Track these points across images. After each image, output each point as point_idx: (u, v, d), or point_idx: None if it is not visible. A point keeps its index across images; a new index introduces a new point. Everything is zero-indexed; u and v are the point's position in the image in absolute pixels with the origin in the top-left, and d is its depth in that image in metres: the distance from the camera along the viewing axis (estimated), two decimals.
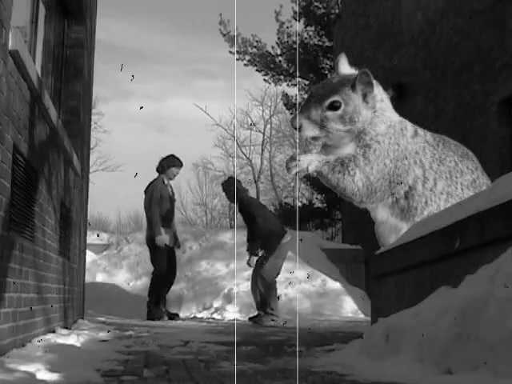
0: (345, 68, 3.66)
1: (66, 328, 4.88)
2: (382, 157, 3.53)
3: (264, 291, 7.00)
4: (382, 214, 3.67)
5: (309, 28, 17.98)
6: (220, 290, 8.74)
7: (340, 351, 3.40)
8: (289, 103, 18.25)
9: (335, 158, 3.57)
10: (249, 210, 7.12)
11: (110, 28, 43.00)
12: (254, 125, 29.92)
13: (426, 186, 3.63)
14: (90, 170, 10.22)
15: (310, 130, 3.50)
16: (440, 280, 2.75)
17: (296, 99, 18.11)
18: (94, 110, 9.58)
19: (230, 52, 18.47)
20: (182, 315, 8.20)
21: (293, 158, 3.59)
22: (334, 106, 3.46)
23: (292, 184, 28.65)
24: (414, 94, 9.94)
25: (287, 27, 18.19)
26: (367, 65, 13.19)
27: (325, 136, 3.52)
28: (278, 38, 18.23)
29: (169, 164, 7.61)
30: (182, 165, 7.73)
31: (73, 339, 3.88)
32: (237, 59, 18.40)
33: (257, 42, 18.37)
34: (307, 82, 18.23)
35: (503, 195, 2.42)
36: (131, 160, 40.50)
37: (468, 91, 8.29)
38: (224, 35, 18.41)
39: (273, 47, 18.36)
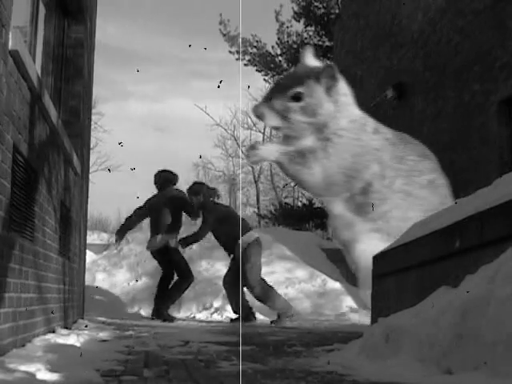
0: (310, 60, 3.64)
1: (66, 328, 4.88)
2: (342, 151, 3.50)
3: (263, 298, 7.01)
4: (337, 207, 3.65)
5: (309, 28, 17.99)
6: (220, 290, 8.72)
7: (340, 351, 3.40)
8: None
9: (296, 149, 3.53)
10: (207, 216, 7.23)
11: (108, 28, 42.99)
12: (255, 125, 29.91)
13: (383, 183, 3.60)
14: (90, 170, 10.22)
15: (272, 120, 3.48)
16: (440, 280, 2.75)
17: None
18: (93, 110, 9.58)
19: (230, 52, 18.48)
20: (182, 315, 8.20)
21: (253, 147, 3.56)
22: (297, 97, 3.44)
23: (292, 184, 28.64)
24: (413, 94, 9.94)
25: (287, 27, 18.20)
26: (367, 65, 13.18)
27: (286, 127, 3.50)
28: (278, 38, 18.24)
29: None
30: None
31: (73, 339, 3.88)
32: (236, 59, 18.41)
33: (257, 42, 18.38)
34: None
35: (503, 195, 2.42)
36: (131, 160, 40.52)
37: (468, 91, 8.28)
38: (224, 35, 18.42)
39: (273, 47, 18.37)
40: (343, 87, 3.55)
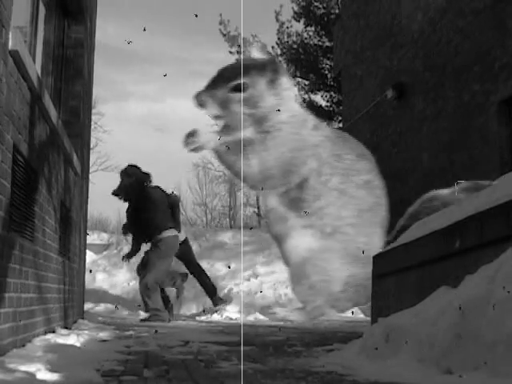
0: (256, 53, 3.64)
1: (66, 328, 4.88)
2: (280, 145, 3.50)
3: (143, 291, 7.08)
4: (272, 201, 3.63)
5: (309, 28, 17.99)
6: (220, 290, 8.74)
7: (340, 351, 3.41)
8: None
9: (234, 139, 3.52)
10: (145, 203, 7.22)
11: (108, 29, 42.99)
12: None
13: (319, 180, 3.60)
14: (90, 170, 10.22)
15: (213, 109, 3.46)
16: (440, 280, 2.75)
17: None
18: (93, 110, 9.59)
19: (230, 52, 18.47)
20: (181, 315, 8.21)
21: (191, 134, 3.54)
22: (239, 88, 3.43)
23: None
24: (413, 94, 9.94)
25: (287, 27, 18.20)
26: (367, 65, 13.18)
27: (227, 116, 3.48)
28: (278, 38, 18.24)
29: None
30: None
31: (73, 339, 3.88)
32: (236, 59, 18.40)
33: (257, 42, 18.38)
34: (307, 82, 18.23)
35: (503, 195, 2.42)
36: (131, 160, 40.47)
37: (468, 91, 8.28)
38: (224, 35, 18.42)
39: (273, 47, 18.37)
40: (286, 82, 3.55)
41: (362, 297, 3.71)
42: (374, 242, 3.66)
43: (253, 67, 3.44)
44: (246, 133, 3.49)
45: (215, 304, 7.83)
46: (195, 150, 3.51)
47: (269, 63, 3.42)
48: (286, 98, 3.50)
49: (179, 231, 7.40)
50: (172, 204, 7.41)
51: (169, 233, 7.15)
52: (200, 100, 3.40)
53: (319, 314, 3.78)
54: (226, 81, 3.42)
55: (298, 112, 3.60)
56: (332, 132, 3.79)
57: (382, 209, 3.69)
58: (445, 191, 3.81)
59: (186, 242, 8.04)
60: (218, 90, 3.41)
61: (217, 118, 3.49)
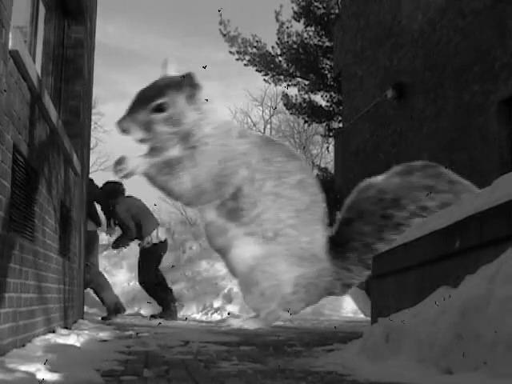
0: (171, 70, 3.65)
1: (66, 328, 4.88)
2: (208, 158, 3.51)
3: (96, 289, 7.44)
4: (209, 215, 3.64)
5: (309, 28, 17.97)
6: (220, 290, 8.73)
7: (340, 351, 3.41)
8: (289, 103, 18.23)
9: (163, 160, 3.53)
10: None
11: (108, 29, 42.99)
12: (255, 125, 29.90)
13: (253, 187, 3.61)
14: (90, 170, 10.22)
15: (137, 133, 3.47)
16: (440, 280, 2.75)
17: (296, 99, 18.11)
18: (93, 110, 9.58)
19: (230, 52, 18.46)
20: (182, 315, 8.21)
21: (119, 162, 3.55)
22: (159, 109, 3.44)
23: None
24: (413, 94, 9.94)
25: (287, 27, 18.18)
26: (367, 65, 13.16)
27: (152, 138, 3.49)
28: (278, 38, 18.22)
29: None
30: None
31: (73, 339, 3.88)
32: (236, 59, 18.40)
33: (257, 42, 18.36)
34: (307, 82, 18.22)
35: (503, 195, 2.42)
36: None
37: (468, 91, 8.28)
38: (224, 35, 18.40)
39: (273, 47, 18.35)
40: (205, 94, 3.56)
41: (314, 295, 3.74)
42: (317, 238, 3.70)
43: (170, 85, 3.46)
44: (174, 151, 3.50)
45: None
46: (125, 176, 3.53)
47: (185, 79, 3.43)
48: (207, 111, 3.52)
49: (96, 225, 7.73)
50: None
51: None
52: (123, 126, 3.42)
53: (274, 319, 3.81)
54: (146, 103, 3.43)
55: (221, 122, 3.62)
56: (258, 137, 3.81)
57: (320, 205, 3.73)
58: (379, 178, 3.84)
59: (165, 242, 8.07)
60: (139, 114, 3.42)
61: (142, 141, 3.50)
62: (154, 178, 3.52)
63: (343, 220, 3.80)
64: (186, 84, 3.44)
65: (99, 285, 7.43)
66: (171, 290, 7.81)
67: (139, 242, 7.90)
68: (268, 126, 30.67)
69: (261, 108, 32.02)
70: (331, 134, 17.97)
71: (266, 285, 3.58)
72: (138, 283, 8.14)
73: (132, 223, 7.73)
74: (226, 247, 3.65)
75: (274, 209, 3.60)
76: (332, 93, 17.68)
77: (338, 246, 3.71)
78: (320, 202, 3.68)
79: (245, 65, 18.51)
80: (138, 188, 7.58)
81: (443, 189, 3.77)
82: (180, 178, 3.48)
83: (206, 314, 8.40)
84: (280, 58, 18.33)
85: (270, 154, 3.67)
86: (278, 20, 18.24)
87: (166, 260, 8.54)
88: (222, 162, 3.53)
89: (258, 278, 3.58)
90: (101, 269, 8.80)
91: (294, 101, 18.12)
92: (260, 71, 18.52)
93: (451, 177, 3.91)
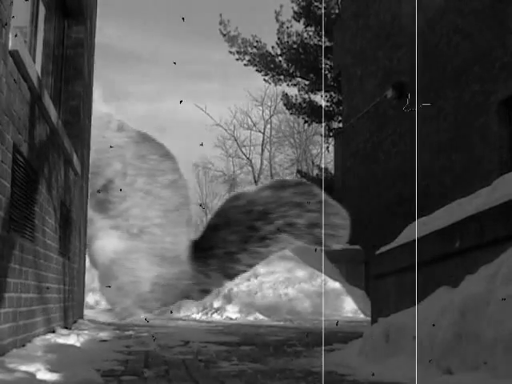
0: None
1: (66, 328, 4.88)
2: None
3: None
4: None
5: (309, 28, 17.97)
6: (220, 290, 8.73)
7: (340, 351, 3.41)
8: (289, 103, 18.24)
9: None
10: None
11: (108, 29, 42.98)
12: (255, 125, 29.90)
13: (124, 181, 3.65)
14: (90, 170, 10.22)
15: None
16: (440, 280, 2.75)
17: (296, 99, 18.11)
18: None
19: (230, 52, 18.46)
20: (182, 315, 8.21)
21: None
22: None
23: None
24: (413, 94, 9.94)
25: (287, 27, 18.18)
26: (367, 65, 13.13)
27: None
28: (278, 38, 18.22)
29: None
30: None
31: (73, 339, 3.88)
32: (236, 59, 18.40)
33: (257, 42, 18.37)
34: (307, 82, 18.22)
35: (503, 195, 2.42)
36: None
37: (468, 91, 8.28)
38: (224, 35, 18.40)
39: (273, 47, 18.35)
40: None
41: (170, 296, 3.78)
42: (181, 241, 3.75)
43: None
44: None
45: None
46: None
47: None
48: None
49: None
50: None
51: None
52: None
53: (128, 315, 3.85)
54: None
55: (101, 113, 3.69)
56: (136, 133, 3.87)
57: (188, 208, 3.79)
58: (251, 189, 3.90)
59: None
60: None
61: None
62: None
63: (210, 225, 3.83)
64: None
65: None
66: None
67: None
68: (268, 126, 30.71)
69: (261, 108, 31.97)
70: (331, 133, 17.98)
71: (125, 280, 3.60)
72: None
73: None
74: (91, 237, 3.69)
75: (143, 206, 3.64)
76: (332, 93, 17.68)
77: (200, 250, 3.73)
78: (188, 205, 3.72)
79: (245, 65, 18.52)
80: None
81: (312, 208, 3.76)
82: None
83: (206, 314, 8.40)
84: (280, 58, 18.33)
85: (145, 150, 3.73)
86: (277, 20, 18.25)
87: None
88: (96, 152, 3.57)
89: (117, 272, 3.59)
90: None
91: (293, 101, 18.12)
92: (260, 71, 18.53)
93: (321, 197, 3.91)
